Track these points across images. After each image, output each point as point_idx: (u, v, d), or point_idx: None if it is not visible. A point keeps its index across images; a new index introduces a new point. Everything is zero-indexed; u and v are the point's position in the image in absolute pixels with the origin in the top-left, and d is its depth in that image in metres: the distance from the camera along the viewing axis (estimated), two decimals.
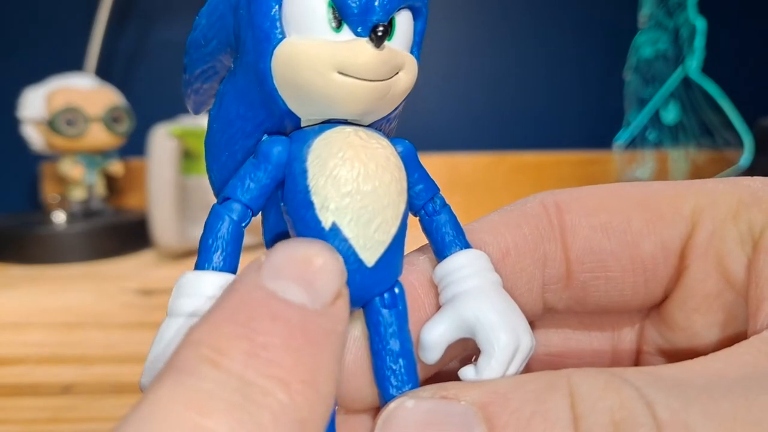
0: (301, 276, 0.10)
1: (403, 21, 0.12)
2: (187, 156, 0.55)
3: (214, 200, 0.12)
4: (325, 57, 0.11)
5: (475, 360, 0.12)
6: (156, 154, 0.51)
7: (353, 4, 0.11)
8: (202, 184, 0.56)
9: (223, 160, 0.13)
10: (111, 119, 0.59)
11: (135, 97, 0.65)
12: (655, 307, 0.15)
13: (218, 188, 0.13)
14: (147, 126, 0.54)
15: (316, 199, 0.11)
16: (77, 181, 0.61)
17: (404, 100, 0.13)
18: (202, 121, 0.53)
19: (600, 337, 0.16)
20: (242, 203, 0.12)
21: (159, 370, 0.09)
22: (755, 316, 0.12)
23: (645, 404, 0.10)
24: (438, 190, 0.13)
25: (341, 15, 0.11)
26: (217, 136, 0.13)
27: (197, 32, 0.12)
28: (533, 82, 0.73)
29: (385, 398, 0.12)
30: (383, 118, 0.13)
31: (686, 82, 0.60)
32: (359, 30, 0.11)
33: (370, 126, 0.12)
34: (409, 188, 0.13)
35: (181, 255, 0.55)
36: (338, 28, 0.11)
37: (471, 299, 0.12)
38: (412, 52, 0.12)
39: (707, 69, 0.58)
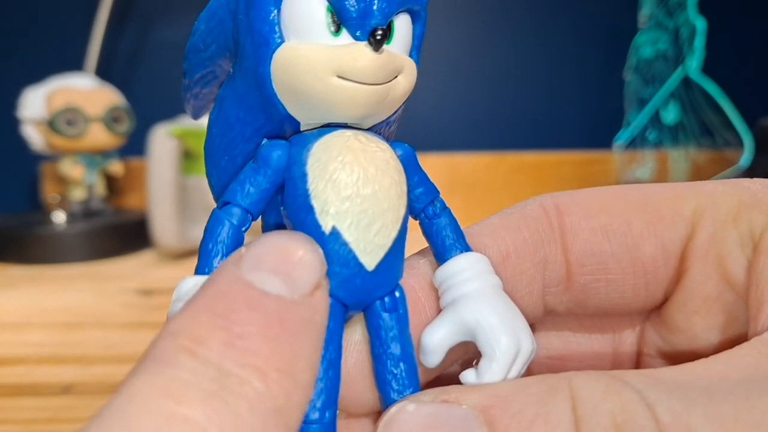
0: (280, 267, 0.10)
1: (402, 25, 0.12)
2: (187, 156, 0.55)
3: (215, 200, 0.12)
4: (324, 61, 0.11)
5: (476, 363, 0.12)
6: (156, 154, 0.51)
7: (352, 9, 0.11)
8: (202, 185, 0.56)
9: (222, 164, 0.13)
10: (111, 119, 0.59)
11: (135, 97, 0.65)
12: (656, 310, 0.15)
13: (218, 193, 0.13)
14: (147, 126, 0.54)
15: (316, 203, 0.11)
16: (77, 181, 0.61)
17: (404, 103, 0.13)
18: (202, 121, 0.53)
19: (601, 339, 0.16)
20: (242, 208, 0.12)
21: None
22: (756, 318, 0.12)
23: (646, 407, 0.10)
24: (438, 193, 0.13)
25: (340, 19, 0.11)
26: (216, 140, 0.13)
27: (196, 37, 0.12)
28: (533, 83, 0.73)
29: (386, 402, 0.12)
30: (383, 122, 0.13)
31: (686, 82, 0.60)
32: (358, 34, 0.11)
33: (369, 130, 0.12)
34: (409, 191, 0.13)
35: (181, 255, 0.55)
36: (337, 32, 0.11)
37: (471, 302, 0.12)
38: (411, 56, 0.12)
39: (707, 69, 0.58)
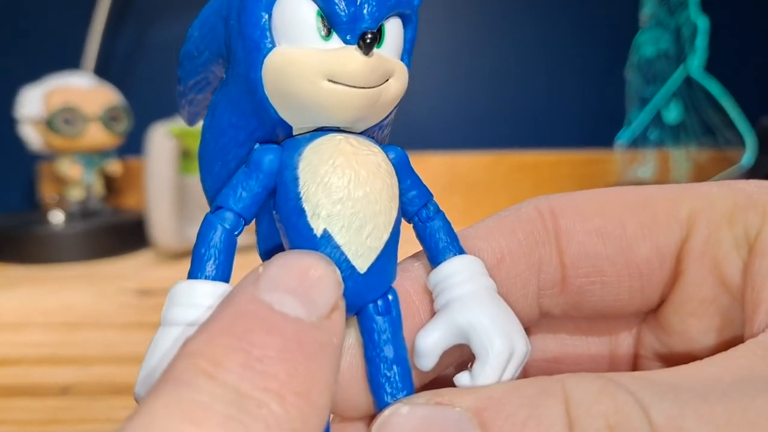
0: (298, 288, 0.10)
1: (393, 28, 0.12)
2: (185, 155, 0.55)
3: None
4: (314, 65, 0.11)
5: (470, 366, 0.12)
6: (154, 153, 0.51)
7: (342, 13, 0.11)
8: (200, 184, 0.56)
9: (216, 169, 0.13)
10: (109, 118, 0.59)
11: (133, 96, 0.65)
12: (652, 312, 0.15)
13: (212, 197, 0.13)
14: (145, 125, 0.54)
15: (308, 207, 0.11)
16: (75, 181, 0.61)
17: (396, 107, 0.13)
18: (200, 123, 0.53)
19: (597, 342, 0.16)
20: (234, 212, 0.12)
21: (154, 381, 0.09)
22: (751, 320, 0.12)
23: (640, 409, 0.10)
24: (431, 196, 0.13)
25: (330, 23, 0.11)
26: (210, 145, 0.13)
27: (190, 44, 0.12)
28: (533, 82, 0.73)
29: (379, 405, 0.12)
30: (375, 126, 0.13)
31: (688, 82, 0.60)
32: (348, 38, 0.11)
33: (363, 134, 0.12)
34: (402, 195, 0.13)
35: (180, 255, 0.55)
36: (327, 36, 0.11)
37: (465, 305, 0.12)
38: (402, 60, 0.12)
39: (709, 68, 0.58)
